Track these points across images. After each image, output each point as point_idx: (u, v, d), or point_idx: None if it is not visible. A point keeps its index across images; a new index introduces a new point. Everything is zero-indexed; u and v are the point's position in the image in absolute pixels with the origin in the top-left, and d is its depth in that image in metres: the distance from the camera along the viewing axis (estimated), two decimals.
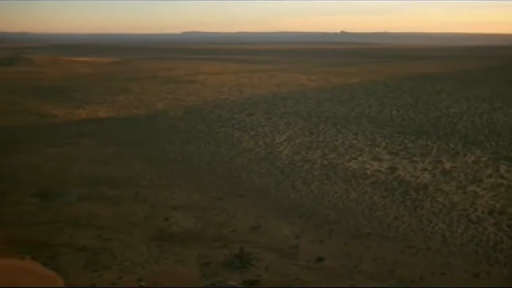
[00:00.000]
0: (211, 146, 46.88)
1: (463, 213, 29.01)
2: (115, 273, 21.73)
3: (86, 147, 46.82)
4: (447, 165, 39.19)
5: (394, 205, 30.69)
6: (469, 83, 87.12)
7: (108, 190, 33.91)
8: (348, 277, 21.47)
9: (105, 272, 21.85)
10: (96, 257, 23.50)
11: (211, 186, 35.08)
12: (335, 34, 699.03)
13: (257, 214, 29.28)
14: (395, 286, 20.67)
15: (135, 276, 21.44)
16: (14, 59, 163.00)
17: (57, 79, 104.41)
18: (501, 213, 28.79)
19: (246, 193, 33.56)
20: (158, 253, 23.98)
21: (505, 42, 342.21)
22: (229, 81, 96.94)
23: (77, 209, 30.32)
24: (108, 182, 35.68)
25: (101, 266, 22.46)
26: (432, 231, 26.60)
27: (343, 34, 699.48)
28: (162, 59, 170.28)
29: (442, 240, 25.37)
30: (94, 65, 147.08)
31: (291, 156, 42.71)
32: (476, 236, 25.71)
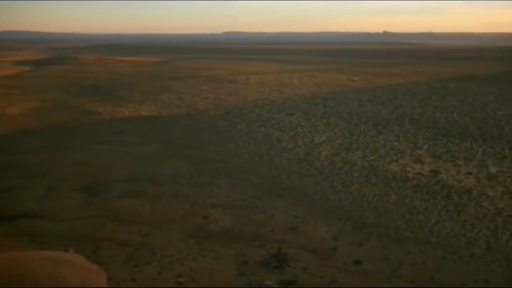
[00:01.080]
0: (251, 146, 47.07)
1: (509, 219, 28.01)
2: (154, 269, 22.16)
3: (128, 145, 47.91)
4: (493, 169, 37.94)
5: (436, 209, 29.95)
6: None
7: (149, 187, 34.60)
8: (387, 281, 21.12)
9: (145, 267, 22.32)
10: (136, 252, 24.04)
11: (249, 185, 35.22)
12: (378, 34, 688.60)
13: (295, 215, 29.21)
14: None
15: (174, 272, 21.79)
16: (62, 58, 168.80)
17: (102, 78, 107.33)
18: None
19: (284, 193, 33.52)
20: (196, 250, 24.29)
21: None
22: (269, 81, 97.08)
23: (119, 205, 31.10)
24: (149, 179, 36.41)
25: (141, 261, 22.97)
26: (476, 237, 25.81)
27: (386, 34, 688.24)
28: (204, 59, 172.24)
29: (486, 247, 24.57)
30: (138, 65, 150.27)
31: (330, 157, 42.37)
32: None
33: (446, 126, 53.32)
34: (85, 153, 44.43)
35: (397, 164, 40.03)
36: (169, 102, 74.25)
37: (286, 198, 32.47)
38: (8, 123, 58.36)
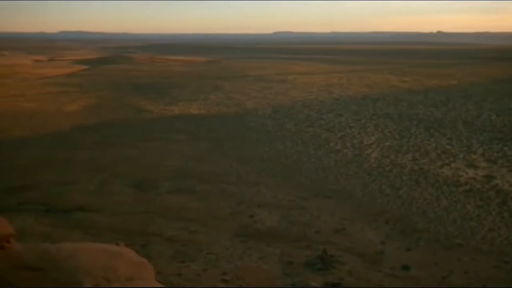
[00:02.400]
0: (298, 146, 46.95)
1: None
2: (200, 265, 22.54)
3: (178, 143, 48.87)
4: None
5: (490, 216, 28.85)
6: None
7: (197, 184, 35.18)
8: None
9: (191, 263, 22.74)
10: (183, 248, 24.52)
11: (296, 186, 35.16)
12: (431, 34, 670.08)
13: (342, 216, 28.93)
14: None
15: (219, 270, 22.08)
16: (117, 57, 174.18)
17: (154, 77, 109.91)
18: None
19: (331, 194, 33.25)
20: (242, 249, 24.50)
21: None
22: (318, 81, 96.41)
23: (168, 201, 31.81)
24: (197, 176, 37.01)
25: (188, 257, 23.41)
26: None
27: (440, 34, 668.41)
28: (253, 59, 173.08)
29: None
30: (188, 64, 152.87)
31: (379, 159, 41.65)
32: None
33: (502, 130, 51.17)
34: (136, 150, 45.69)
35: (449, 168, 38.83)
36: (218, 101, 75.13)
37: (333, 199, 32.21)
38: (65, 119, 60.85)
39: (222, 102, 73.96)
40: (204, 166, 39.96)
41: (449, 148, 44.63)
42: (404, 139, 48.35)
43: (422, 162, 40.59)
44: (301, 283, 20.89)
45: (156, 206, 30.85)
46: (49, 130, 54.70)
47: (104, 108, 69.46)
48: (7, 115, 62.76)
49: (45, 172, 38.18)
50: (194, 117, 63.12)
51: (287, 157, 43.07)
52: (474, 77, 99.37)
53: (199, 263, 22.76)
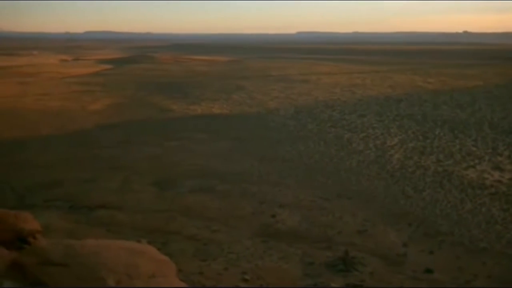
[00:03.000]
0: (320, 146, 46.73)
1: None
2: (221, 264, 22.60)
3: (200, 142, 49.13)
4: None
5: None
6: None
7: (219, 183, 35.31)
8: None
9: (212, 262, 22.82)
10: (204, 247, 24.64)
11: (318, 186, 35.01)
12: (457, 34, 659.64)
13: (364, 218, 28.69)
14: None
15: (240, 269, 22.10)
16: (140, 57, 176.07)
17: (177, 76, 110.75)
18: None
19: (353, 195, 33.01)
20: (263, 248, 24.49)
21: None
22: (341, 81, 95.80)
23: (189, 200, 32.00)
24: (219, 176, 37.15)
25: (209, 256, 23.51)
26: None
27: (466, 34, 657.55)
28: (276, 59, 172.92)
29: None
30: (211, 64, 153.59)
31: (402, 161, 41.16)
32: None
33: None
34: (159, 148, 46.09)
35: (474, 170, 38.15)
36: (241, 100, 75.28)
37: (355, 200, 31.97)
38: (89, 118, 61.76)
39: (244, 102, 74.08)
40: (225, 166, 40.07)
41: (474, 150, 43.84)
42: (428, 141, 47.69)
43: (446, 164, 39.98)
44: (322, 284, 20.78)
45: (178, 204, 31.07)
46: (73, 129, 55.59)
47: (127, 107, 70.25)
48: (34, 113, 63.98)
49: (69, 170, 38.83)
50: (216, 117, 63.36)
51: (309, 158, 42.91)
52: (500, 77, 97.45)
53: (220, 262, 22.83)
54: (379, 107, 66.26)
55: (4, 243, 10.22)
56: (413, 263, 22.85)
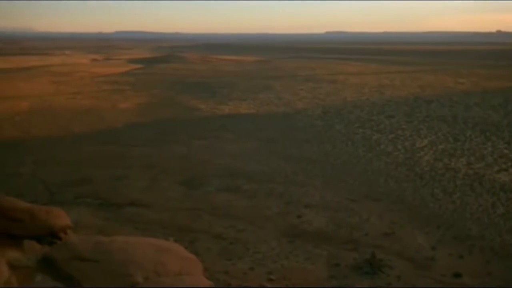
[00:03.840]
0: (348, 147, 46.39)
1: None
2: (247, 264, 22.70)
3: (227, 141, 49.39)
4: None
5: None
6: None
7: (245, 183, 35.44)
8: None
9: (238, 261, 22.94)
10: (230, 246, 24.79)
11: (345, 187, 34.78)
12: (490, 33, 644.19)
13: (392, 220, 28.37)
14: None
15: (266, 269, 22.16)
16: (169, 57, 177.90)
17: (205, 76, 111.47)
18: None
19: (381, 197, 32.67)
20: (289, 249, 24.49)
21: None
22: (370, 81, 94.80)
23: (216, 199, 32.23)
24: (246, 175, 37.28)
25: (234, 255, 23.64)
26: None
27: (500, 33, 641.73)
28: (304, 59, 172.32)
29: None
30: (239, 64, 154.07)
31: (432, 163, 40.49)
32: None
33: None
34: (187, 147, 46.55)
35: (507, 173, 37.23)
36: (268, 100, 75.30)
37: (383, 202, 31.64)
38: (119, 117, 62.80)
39: (272, 102, 74.09)
40: (252, 165, 40.19)
41: (506, 153, 42.78)
42: (459, 143, 46.77)
43: (477, 166, 39.15)
44: (348, 286, 20.66)
45: (205, 203, 31.34)
46: (104, 127, 56.64)
47: (156, 106, 71.12)
48: (66, 111, 65.46)
49: (99, 167, 39.59)
50: (244, 116, 63.56)
51: (336, 158, 42.66)
52: None
53: (246, 261, 22.93)
54: (408, 108, 65.29)
55: (36, 238, 10.53)
56: (442, 267, 22.48)
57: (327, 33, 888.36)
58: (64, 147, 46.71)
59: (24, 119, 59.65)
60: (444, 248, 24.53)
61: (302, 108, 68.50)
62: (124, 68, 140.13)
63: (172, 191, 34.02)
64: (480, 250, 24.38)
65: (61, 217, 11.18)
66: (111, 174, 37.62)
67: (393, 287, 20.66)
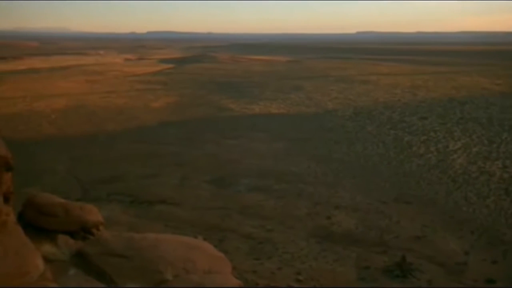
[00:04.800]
0: (379, 148, 45.82)
1: None
2: (275, 264, 22.69)
3: (257, 141, 49.45)
4: None
5: None
6: None
7: (275, 183, 35.43)
8: None
9: (266, 261, 22.95)
10: (259, 246, 24.82)
11: (376, 189, 34.38)
12: None
13: (423, 223, 27.88)
14: None
15: (294, 269, 22.10)
16: (200, 56, 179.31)
17: (236, 76, 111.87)
18: None
19: (412, 199, 32.16)
20: (317, 250, 24.36)
21: None
22: (402, 82, 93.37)
23: (245, 199, 32.34)
24: (275, 175, 37.26)
25: (263, 255, 23.66)
26: None
27: None
28: (335, 59, 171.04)
29: None
30: (270, 64, 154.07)
31: (465, 166, 39.59)
32: None
33: None
34: (217, 147, 46.84)
35: None
36: (299, 101, 75.05)
37: (414, 205, 31.13)
38: (151, 115, 63.67)
39: (302, 102, 73.81)
40: (282, 165, 40.15)
41: None
42: (494, 145, 45.56)
43: None
44: None
45: (234, 202, 31.48)
46: (136, 125, 57.52)
47: (187, 105, 71.79)
48: (100, 110, 66.77)
49: (131, 165, 40.24)
50: (274, 116, 63.52)
51: (366, 160, 42.21)
52: None
53: (274, 261, 22.92)
54: (441, 110, 64.01)
55: (70, 233, 10.80)
56: (474, 272, 21.98)
57: (358, 33, 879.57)
58: (98, 145, 47.68)
59: (60, 117, 61.16)
60: (477, 253, 23.98)
61: (333, 108, 68.00)
62: (156, 67, 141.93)
63: (202, 189, 34.31)
64: None
65: (94, 213, 11.45)
66: (142, 172, 38.20)
67: None
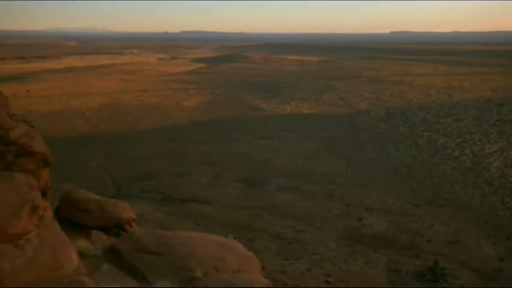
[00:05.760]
0: (412, 150, 45.09)
1: None
2: (304, 264, 22.61)
3: (288, 141, 49.40)
4: None
5: None
6: None
7: (305, 183, 35.31)
8: None
9: (296, 261, 22.90)
10: (288, 246, 24.79)
11: (408, 192, 33.86)
12: None
13: (457, 228, 27.30)
14: None
15: (323, 271, 21.98)
16: (233, 56, 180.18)
17: (268, 76, 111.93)
18: None
19: (446, 203, 31.53)
20: (347, 252, 24.17)
21: None
22: (437, 83, 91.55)
23: (276, 199, 32.34)
24: (306, 176, 37.14)
25: (292, 255, 23.62)
26: None
27: None
28: (368, 59, 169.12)
29: None
30: (302, 64, 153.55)
31: (502, 169, 38.53)
32: None
33: None
34: (248, 146, 47.00)
35: None
36: (331, 101, 74.56)
37: (448, 208, 30.51)
38: (183, 114, 64.38)
39: (334, 102, 73.31)
40: (313, 166, 39.99)
41: None
42: None
43: None
44: None
45: (265, 202, 31.53)
46: (168, 124, 58.26)
47: (219, 104, 72.25)
48: (133, 108, 67.91)
49: (163, 163, 40.81)
50: (306, 116, 63.31)
51: (399, 161, 41.60)
52: None
53: (304, 262, 22.85)
54: (477, 111, 62.48)
55: (103, 229, 11.05)
56: (509, 279, 21.41)
57: (391, 33, 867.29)
58: (131, 143, 48.53)
59: (94, 115, 62.50)
60: None
61: (365, 109, 67.28)
62: (189, 67, 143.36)
63: (233, 188, 34.50)
64: None
65: (127, 210, 11.68)
66: (174, 170, 38.69)
67: None
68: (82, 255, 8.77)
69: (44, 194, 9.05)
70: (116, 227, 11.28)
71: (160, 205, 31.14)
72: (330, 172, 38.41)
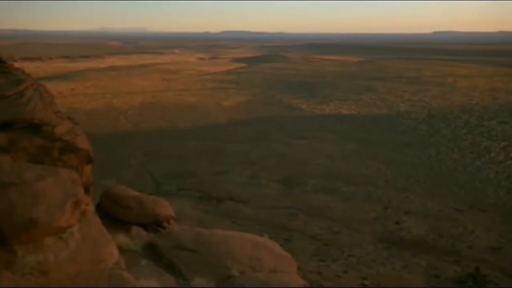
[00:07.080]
0: (454, 153, 43.95)
1: None
2: (341, 266, 22.43)
3: (326, 142, 49.05)
4: None
5: None
6: None
7: (343, 185, 35.00)
8: None
9: (332, 263, 22.75)
10: (325, 248, 24.65)
11: (449, 196, 33.04)
12: None
13: (500, 234, 26.45)
14: None
15: (360, 274, 21.74)
16: (272, 56, 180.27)
17: (307, 76, 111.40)
18: None
19: (489, 208, 30.59)
20: (385, 255, 23.82)
21: None
22: (481, 85, 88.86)
23: (312, 199, 32.20)
24: (343, 177, 36.80)
25: (329, 257, 23.47)
26: None
27: None
28: (409, 60, 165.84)
29: None
30: (342, 64, 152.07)
31: None
32: None
33: None
34: (286, 146, 46.96)
35: None
36: (370, 102, 73.54)
37: (491, 214, 29.59)
38: (222, 114, 64.90)
39: (373, 103, 72.26)
40: (351, 167, 39.58)
41: None
42: None
43: None
44: None
45: (301, 203, 31.45)
46: (207, 123, 58.87)
47: (258, 104, 72.43)
48: (173, 107, 68.97)
49: (201, 162, 41.29)
50: (344, 117, 62.69)
51: (440, 164, 40.64)
52: None
53: (340, 264, 22.67)
54: None
55: (143, 225, 11.31)
56: None
57: (434, 33, 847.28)
58: (170, 141, 49.31)
59: (136, 114, 63.83)
60: None
61: (405, 111, 66.00)
62: (228, 66, 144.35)
63: (270, 188, 34.57)
64: None
65: (165, 207, 11.90)
66: (212, 169, 39.08)
67: None
68: (121, 250, 8.98)
69: (86, 190, 9.34)
70: (155, 224, 11.52)
71: (198, 203, 31.54)
72: (368, 173, 37.92)
